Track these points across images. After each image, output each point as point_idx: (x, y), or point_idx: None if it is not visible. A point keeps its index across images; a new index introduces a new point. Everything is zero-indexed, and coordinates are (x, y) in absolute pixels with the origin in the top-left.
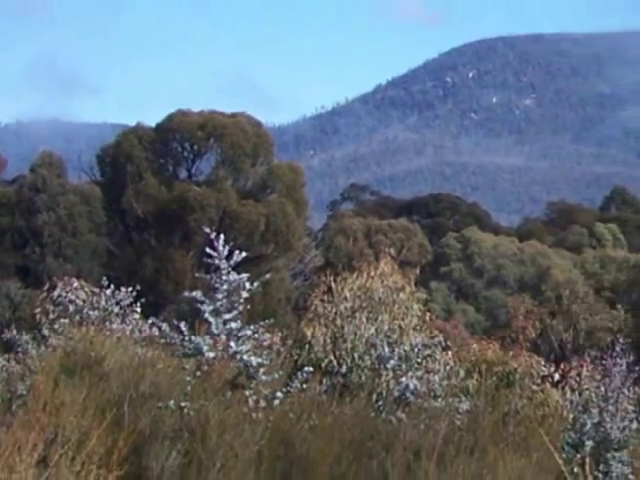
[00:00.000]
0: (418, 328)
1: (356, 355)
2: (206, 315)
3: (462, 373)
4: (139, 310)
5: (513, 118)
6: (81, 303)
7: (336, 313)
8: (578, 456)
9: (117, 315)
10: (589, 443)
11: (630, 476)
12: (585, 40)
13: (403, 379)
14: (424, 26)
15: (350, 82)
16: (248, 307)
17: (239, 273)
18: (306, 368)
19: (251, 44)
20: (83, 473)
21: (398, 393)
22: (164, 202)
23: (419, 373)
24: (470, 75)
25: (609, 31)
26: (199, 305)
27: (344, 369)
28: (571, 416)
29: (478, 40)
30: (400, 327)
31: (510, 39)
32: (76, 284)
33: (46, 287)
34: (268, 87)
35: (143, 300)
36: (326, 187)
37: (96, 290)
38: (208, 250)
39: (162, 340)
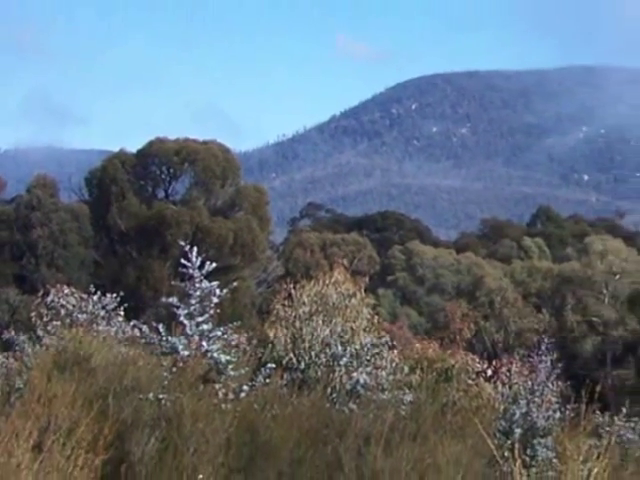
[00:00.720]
0: (367, 329)
1: (313, 353)
2: (181, 318)
3: (406, 369)
4: (122, 314)
5: (451, 145)
6: (71, 307)
7: (295, 316)
8: (508, 442)
9: (103, 318)
10: (518, 430)
11: (554, 460)
12: (514, 76)
13: (354, 374)
14: (373, 64)
15: (308, 113)
16: (218, 311)
17: (210, 281)
18: (269, 365)
19: (221, 79)
20: (73, 457)
21: (350, 387)
22: (144, 219)
23: (368, 369)
24: (413, 107)
25: (535, 68)
26: (175, 309)
27: (302, 366)
28: (502, 407)
29: (419, 76)
30: (351, 329)
31: (448, 75)
32: (67, 291)
33: (40, 293)
34: (236, 117)
35: (126, 305)
36: (287, 206)
37: (84, 296)
38: (183, 261)
39: (142, 340)
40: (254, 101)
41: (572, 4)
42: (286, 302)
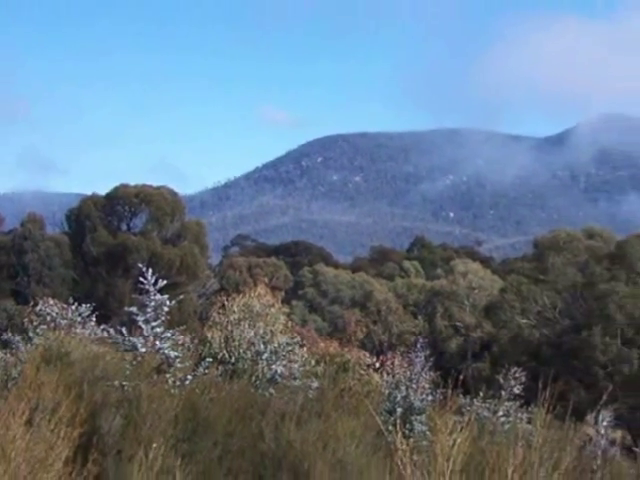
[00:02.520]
0: (283, 332)
1: (241, 350)
2: (140, 323)
3: (313, 362)
4: (94, 320)
5: (347, 190)
6: (55, 315)
7: (227, 322)
8: (392, 418)
9: (79, 323)
10: (399, 410)
11: (427, 432)
12: (396, 136)
13: (273, 366)
14: (288, 127)
15: (238, 165)
16: (168, 317)
17: (162, 295)
18: (207, 359)
19: (171, 138)
20: (56, 430)
21: (270, 376)
22: (111, 246)
23: (284, 362)
24: (318, 160)
25: (412, 130)
26: (135, 316)
27: (233, 360)
28: (387, 391)
29: (323, 136)
30: (271, 331)
31: (345, 135)
32: (51, 302)
33: (31, 304)
34: (182, 168)
35: (97, 313)
36: (221, 236)
37: (65, 306)
38: (141, 279)
39: (110, 340)
40: (196, 155)
41: (441, 79)
42: (220, 311)
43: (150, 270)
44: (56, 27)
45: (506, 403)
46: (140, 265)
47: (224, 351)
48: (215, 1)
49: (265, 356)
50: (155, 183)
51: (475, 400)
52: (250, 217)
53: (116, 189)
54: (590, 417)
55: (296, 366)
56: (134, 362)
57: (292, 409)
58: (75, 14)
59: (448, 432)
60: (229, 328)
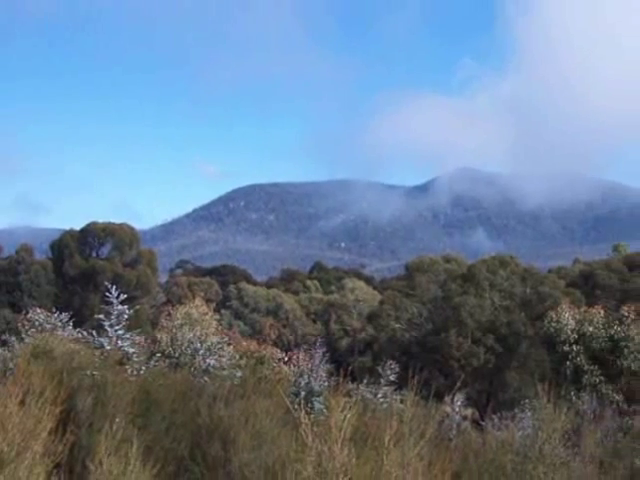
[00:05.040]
0: (214, 334)
1: (183, 348)
2: (106, 327)
3: (237, 357)
4: (71, 325)
5: (264, 226)
6: (41, 321)
7: (173, 326)
8: (297, 399)
9: (60, 327)
10: (302, 393)
11: (324, 410)
12: (300, 185)
13: (207, 360)
14: (218, 177)
15: (180, 206)
16: (127, 323)
17: (122, 306)
18: (157, 355)
19: (131, 184)
20: (42, 408)
21: (204, 367)
22: (84, 269)
23: (215, 357)
24: (242, 204)
25: (313, 180)
26: (102, 322)
27: (177, 355)
28: (293, 379)
29: (245, 185)
30: (205, 333)
31: (261, 185)
32: (39, 311)
33: (24, 313)
34: (138, 209)
35: (73, 319)
36: (167, 261)
37: (49, 314)
38: (107, 294)
39: (83, 340)
40: (149, 199)
41: (335, 141)
42: (167, 317)
43: (114, 287)
44: (46, 106)
45: (384, 388)
46: (106, 283)
47: (170, 348)
48: (164, 81)
49: (201, 352)
50: (117, 220)
51: (360, 385)
52: (190, 247)
53: (88, 225)
54: (447, 398)
55: (224, 360)
56: (102, 356)
57: (221, 392)
58: (55, 93)
59: (340, 410)
60: (174, 331)
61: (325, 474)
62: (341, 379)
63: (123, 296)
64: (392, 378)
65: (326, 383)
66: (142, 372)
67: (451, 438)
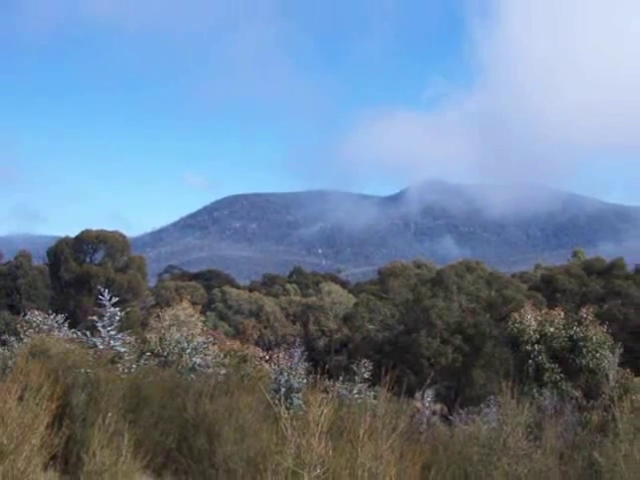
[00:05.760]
0: (200, 334)
1: (171, 347)
2: (99, 328)
3: (222, 356)
4: (67, 326)
5: (247, 234)
6: (39, 322)
7: (161, 327)
8: (277, 395)
9: (56, 328)
10: (283, 389)
11: (303, 405)
12: (281, 195)
13: (194, 359)
14: (204, 188)
15: (168, 215)
16: (119, 324)
17: (114, 308)
18: (146, 353)
19: (122, 195)
20: (40, 404)
21: (191, 365)
22: (79, 274)
23: (201, 355)
24: (226, 212)
25: (293, 191)
26: (95, 323)
27: (165, 354)
28: (274, 376)
29: (229, 195)
30: (192, 334)
31: (244, 195)
32: (36, 313)
33: (22, 314)
34: (129, 218)
35: (68, 321)
36: (156, 267)
37: (46, 316)
38: (100, 297)
39: (78, 340)
40: (139, 209)
41: (313, 154)
42: (156, 319)
43: (106, 291)
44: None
45: (359, 385)
46: (99, 287)
47: (159, 348)
48: (154, 98)
49: (188, 351)
50: (109, 228)
51: (337, 383)
52: (177, 253)
53: (82, 233)
54: (418, 395)
55: (210, 358)
56: (95, 355)
57: (207, 389)
58: (55, 113)
59: (317, 405)
60: (162, 331)
61: (303, 465)
62: (318, 377)
63: (115, 299)
64: (366, 376)
65: (304, 380)
66: (133, 370)
67: (421, 432)
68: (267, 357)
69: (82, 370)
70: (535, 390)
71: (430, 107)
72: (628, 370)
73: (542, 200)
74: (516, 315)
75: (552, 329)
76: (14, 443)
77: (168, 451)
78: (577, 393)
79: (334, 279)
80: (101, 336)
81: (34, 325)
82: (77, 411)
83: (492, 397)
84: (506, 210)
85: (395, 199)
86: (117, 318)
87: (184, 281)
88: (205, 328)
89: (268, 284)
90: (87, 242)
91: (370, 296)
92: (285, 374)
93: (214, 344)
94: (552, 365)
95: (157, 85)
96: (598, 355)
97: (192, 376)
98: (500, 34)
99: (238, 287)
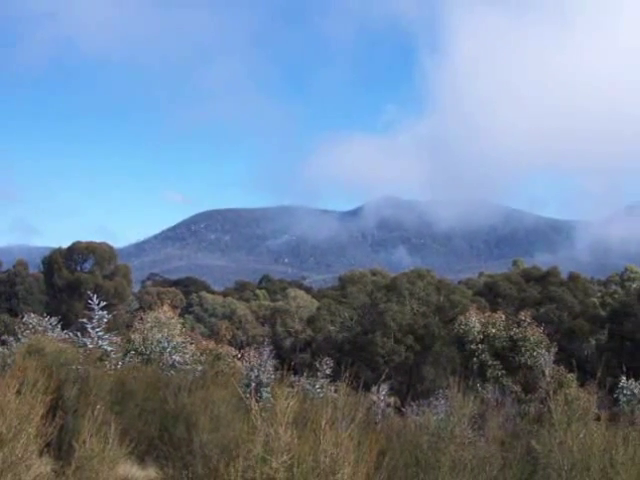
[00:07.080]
0: (179, 335)
1: (153, 346)
2: (88, 329)
3: (198, 354)
4: (60, 327)
5: (221, 245)
6: (34, 324)
7: (144, 328)
8: (248, 389)
9: (50, 329)
10: (253, 384)
11: (271, 398)
12: (251, 210)
13: (174, 356)
14: (183, 204)
15: (150, 228)
16: (106, 326)
17: (102, 311)
18: (131, 352)
19: (109, 210)
20: (36, 397)
21: (171, 362)
22: (71, 281)
23: (180, 354)
24: (202, 226)
25: (261, 206)
26: (85, 325)
27: (148, 352)
28: (245, 372)
29: (206, 210)
30: (172, 334)
31: (219, 210)
32: (32, 316)
33: (20, 317)
34: (115, 230)
35: (61, 323)
36: (140, 274)
37: (41, 318)
38: (89, 302)
39: (70, 340)
40: (125, 222)
41: (280, 172)
42: (140, 321)
43: (95, 296)
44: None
45: (321, 380)
46: (89, 292)
47: (142, 347)
48: (136, 122)
49: (168, 350)
50: (98, 240)
51: (301, 378)
52: (159, 262)
53: (73, 244)
54: (374, 389)
55: (188, 356)
56: (85, 354)
57: (185, 383)
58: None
59: (284, 398)
60: (145, 332)
61: (272, 452)
62: (285, 373)
63: (103, 303)
64: (328, 372)
65: (272, 376)
66: (118, 367)
67: (377, 422)
68: (239, 355)
69: (73, 367)
70: (479, 385)
71: (385, 131)
72: (562, 367)
73: (485, 215)
74: (462, 318)
75: (494, 330)
76: (12, 432)
77: (150, 439)
78: (517, 387)
79: (299, 285)
80: (90, 336)
81: (30, 327)
82: (69, 403)
83: (440, 391)
84: (453, 223)
85: (354, 214)
86: (105, 320)
87: (165, 287)
88: (184, 329)
89: (240, 290)
90: (78, 252)
91: (331, 301)
92: (255, 370)
93: (192, 344)
94: (494, 362)
95: (138, 110)
96: (535, 354)
97: (172, 372)
98: (447, 66)
99: (213, 293)
